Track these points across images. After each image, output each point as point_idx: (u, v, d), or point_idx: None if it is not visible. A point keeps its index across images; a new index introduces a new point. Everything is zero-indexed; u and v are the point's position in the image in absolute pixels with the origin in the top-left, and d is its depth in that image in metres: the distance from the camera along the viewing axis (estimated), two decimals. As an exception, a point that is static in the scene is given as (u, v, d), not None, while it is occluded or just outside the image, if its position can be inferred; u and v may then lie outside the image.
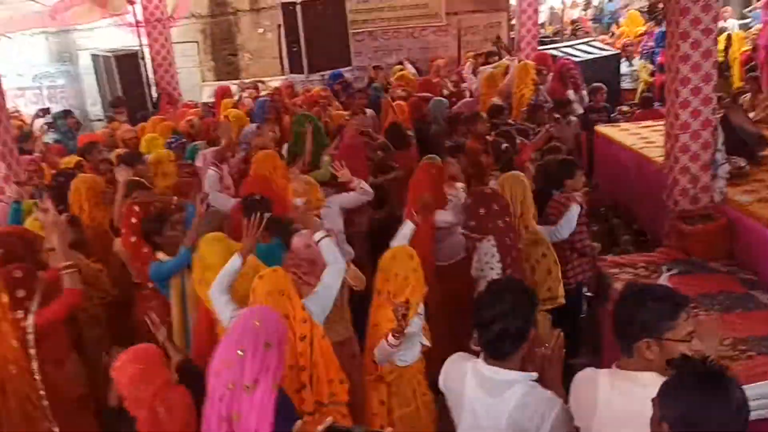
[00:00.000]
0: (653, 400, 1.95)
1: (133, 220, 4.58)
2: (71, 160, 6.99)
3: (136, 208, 4.64)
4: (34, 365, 3.63)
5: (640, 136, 7.26)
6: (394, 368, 3.70)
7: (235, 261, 3.61)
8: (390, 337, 3.45)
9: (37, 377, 3.63)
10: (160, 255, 4.42)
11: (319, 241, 3.68)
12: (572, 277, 5.32)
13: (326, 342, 3.45)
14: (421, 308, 3.77)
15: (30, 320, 3.62)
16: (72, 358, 4.05)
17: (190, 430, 2.81)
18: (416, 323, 3.69)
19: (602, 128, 8.01)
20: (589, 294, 5.53)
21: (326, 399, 3.40)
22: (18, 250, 4.35)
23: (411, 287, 3.61)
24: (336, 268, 3.60)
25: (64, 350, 3.99)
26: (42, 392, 3.65)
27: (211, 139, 7.56)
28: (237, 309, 3.46)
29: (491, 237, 4.28)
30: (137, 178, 5.46)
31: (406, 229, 4.36)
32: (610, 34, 15.63)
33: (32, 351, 3.62)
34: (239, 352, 2.55)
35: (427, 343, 3.84)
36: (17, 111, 11.19)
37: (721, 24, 10.85)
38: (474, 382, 2.63)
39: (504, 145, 6.12)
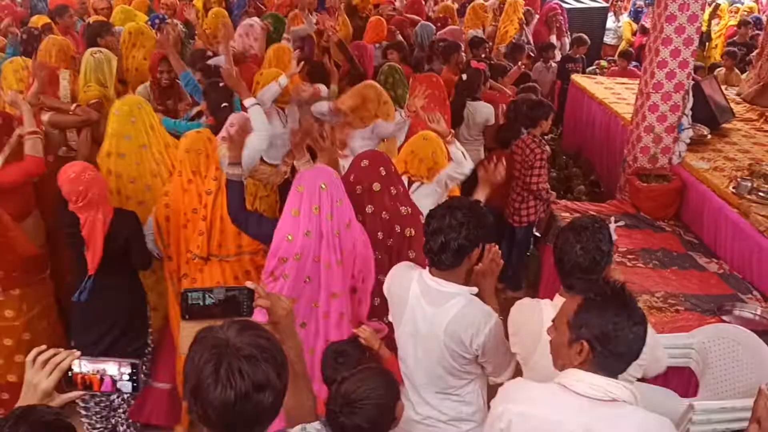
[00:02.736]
0: (564, 323, 2.04)
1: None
2: (39, 20, 6.76)
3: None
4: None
5: (613, 92, 7.35)
6: None
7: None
8: None
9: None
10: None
11: (249, 107, 3.91)
12: (525, 216, 5.52)
13: None
14: None
15: None
16: (34, 215, 4.01)
17: None
18: None
19: (577, 78, 8.07)
20: (537, 234, 5.72)
21: (234, 250, 3.80)
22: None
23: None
24: (261, 135, 3.84)
25: (25, 207, 3.94)
26: None
27: (185, 21, 7.42)
28: None
29: None
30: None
31: None
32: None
33: None
34: (314, 209, 3.05)
35: None
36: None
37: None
38: (417, 291, 2.71)
39: (464, 76, 6.11)
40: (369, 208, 3.36)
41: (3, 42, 5.60)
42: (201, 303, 1.89)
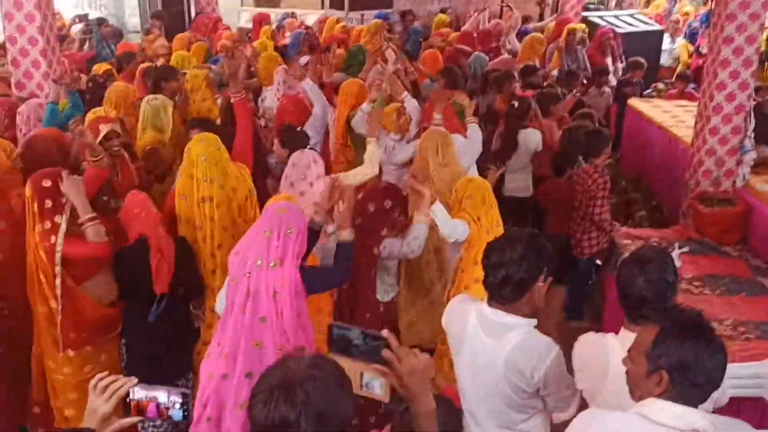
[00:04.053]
0: (641, 353, 2.01)
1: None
2: (100, 67, 7.05)
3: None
4: (57, 282, 3.51)
5: (672, 114, 7.24)
6: None
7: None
8: None
9: (58, 292, 3.53)
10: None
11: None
12: (587, 248, 5.40)
13: None
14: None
15: (60, 239, 3.48)
16: (104, 272, 3.77)
17: None
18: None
19: (635, 102, 7.98)
20: (598, 263, 5.62)
21: None
22: (52, 154, 4.39)
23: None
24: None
25: (90, 269, 3.74)
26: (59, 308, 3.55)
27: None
28: None
29: None
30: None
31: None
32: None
33: (58, 268, 3.49)
34: (265, 233, 2.95)
35: None
36: (59, 13, 11.19)
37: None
38: (476, 323, 2.70)
39: (515, 103, 6.14)
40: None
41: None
42: (344, 339, 1.85)
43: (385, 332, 1.81)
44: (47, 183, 3.49)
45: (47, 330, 3.61)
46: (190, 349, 3.94)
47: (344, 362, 1.78)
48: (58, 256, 3.45)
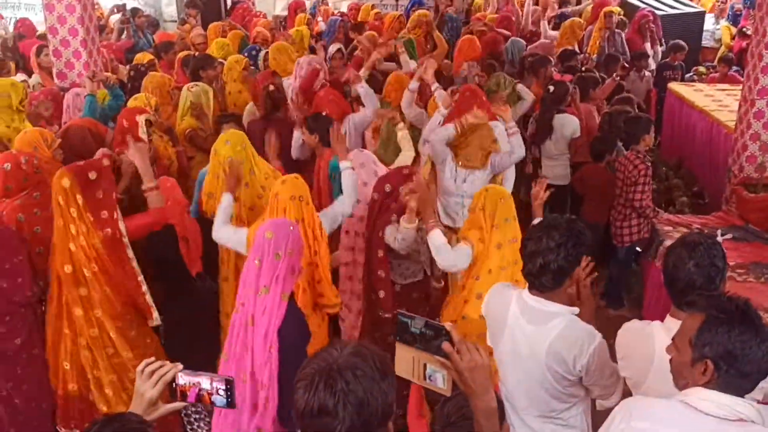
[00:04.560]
0: (686, 342, 1.98)
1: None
2: (143, 56, 7.14)
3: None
4: (134, 264, 3.58)
5: (714, 99, 7.07)
6: None
7: (225, 197, 3.84)
8: None
9: (140, 278, 3.60)
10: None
11: (343, 170, 3.97)
12: (628, 236, 5.34)
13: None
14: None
15: (121, 225, 3.53)
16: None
17: None
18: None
19: (675, 86, 7.82)
20: (638, 249, 5.54)
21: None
22: (88, 143, 4.54)
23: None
24: (348, 200, 3.93)
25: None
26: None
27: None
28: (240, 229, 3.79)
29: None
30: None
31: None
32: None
33: (129, 252, 3.56)
34: (256, 261, 2.89)
35: None
36: (98, 3, 11.31)
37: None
38: (517, 310, 2.68)
39: (551, 88, 6.07)
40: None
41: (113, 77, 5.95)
42: (407, 328, 1.82)
43: (448, 325, 1.77)
44: (93, 175, 3.49)
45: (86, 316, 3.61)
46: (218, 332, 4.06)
47: (408, 351, 1.77)
48: (125, 240, 3.54)
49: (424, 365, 1.78)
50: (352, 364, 1.59)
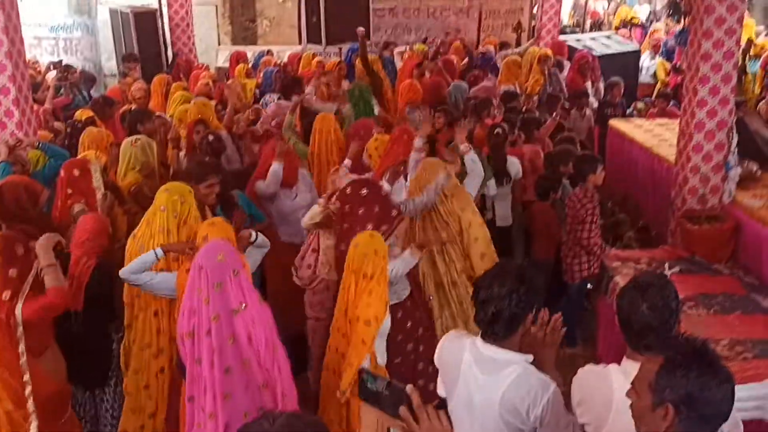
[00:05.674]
0: (645, 386, 1.93)
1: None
2: (82, 113, 6.97)
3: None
4: (21, 348, 3.31)
5: (654, 134, 7.22)
6: None
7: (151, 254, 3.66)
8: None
9: (24, 366, 3.31)
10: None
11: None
12: (578, 273, 5.34)
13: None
14: None
15: (18, 310, 3.29)
16: (52, 349, 3.61)
17: None
18: None
19: (616, 123, 7.97)
20: (589, 286, 5.54)
21: None
22: (23, 202, 4.31)
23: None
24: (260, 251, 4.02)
25: (43, 342, 3.54)
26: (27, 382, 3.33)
27: (225, 101, 7.54)
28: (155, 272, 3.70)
29: None
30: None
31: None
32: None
33: (21, 345, 3.30)
34: (216, 286, 2.86)
35: None
36: (36, 61, 11.10)
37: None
38: (470, 359, 2.61)
39: (496, 131, 6.07)
40: None
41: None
42: (368, 387, 1.79)
43: (408, 388, 1.72)
44: (20, 250, 3.40)
45: None
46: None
47: (372, 412, 1.75)
48: (20, 329, 3.28)
49: (388, 429, 1.73)
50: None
